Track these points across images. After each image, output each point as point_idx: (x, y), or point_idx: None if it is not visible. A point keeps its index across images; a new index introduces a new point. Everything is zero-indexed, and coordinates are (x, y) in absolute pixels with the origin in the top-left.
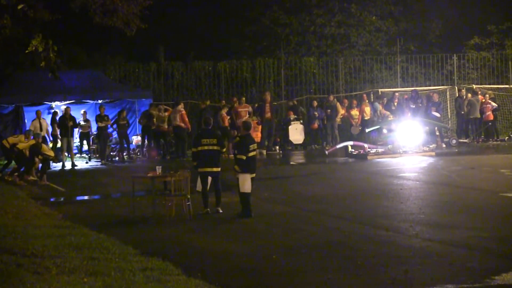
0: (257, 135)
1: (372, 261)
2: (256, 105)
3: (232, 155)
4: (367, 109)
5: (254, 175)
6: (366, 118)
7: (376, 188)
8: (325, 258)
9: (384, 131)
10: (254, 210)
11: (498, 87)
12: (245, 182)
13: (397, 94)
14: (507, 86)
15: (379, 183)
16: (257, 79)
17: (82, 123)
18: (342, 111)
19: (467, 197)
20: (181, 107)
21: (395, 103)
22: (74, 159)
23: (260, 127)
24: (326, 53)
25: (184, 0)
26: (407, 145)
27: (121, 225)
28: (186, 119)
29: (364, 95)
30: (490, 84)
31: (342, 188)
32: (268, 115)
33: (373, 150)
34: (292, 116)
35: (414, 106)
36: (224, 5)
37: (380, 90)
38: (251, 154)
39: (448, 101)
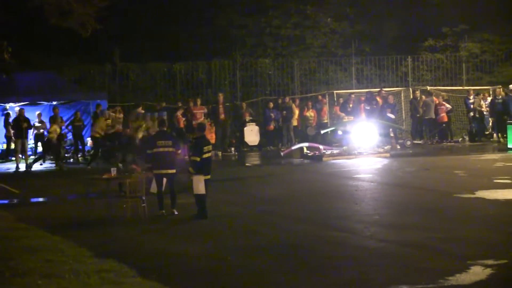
0: (211, 136)
1: (327, 262)
2: (210, 106)
3: (187, 157)
4: (325, 111)
5: (209, 176)
6: (325, 121)
7: (331, 189)
8: (281, 259)
9: (339, 132)
10: (210, 211)
11: (452, 89)
12: (199, 184)
13: (352, 96)
14: (461, 87)
15: (335, 185)
16: (212, 80)
17: (37, 124)
18: (297, 113)
19: (421, 198)
20: (140, 109)
21: (350, 105)
22: (29, 161)
23: (214, 128)
24: (281, 54)
25: (139, 2)
26: (362, 146)
27: (76, 227)
28: None
29: (320, 96)
30: (444, 86)
31: (298, 190)
32: (222, 116)
33: (328, 152)
34: (248, 118)
35: (369, 108)
36: (179, 6)
37: (335, 91)
38: (205, 155)
39: (403, 103)
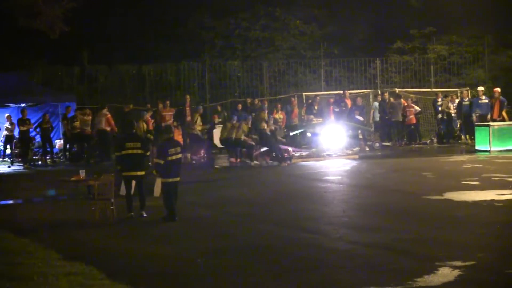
0: (179, 138)
1: (297, 263)
2: (177, 109)
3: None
4: (295, 113)
5: (178, 179)
6: (295, 123)
7: (300, 191)
8: (250, 261)
9: (308, 134)
10: (179, 213)
11: (420, 91)
12: (159, 187)
13: (318, 98)
14: (429, 89)
15: (304, 186)
16: (181, 82)
17: (7, 126)
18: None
19: (390, 200)
20: (106, 110)
21: (316, 107)
22: None
23: (181, 130)
24: (250, 56)
25: (108, 3)
26: (331, 148)
27: (45, 230)
28: (112, 122)
29: (292, 98)
30: (412, 88)
31: (267, 192)
32: (189, 118)
33: (298, 154)
34: (217, 120)
35: (338, 110)
36: (149, 8)
37: (304, 93)
38: (171, 158)
39: (371, 105)
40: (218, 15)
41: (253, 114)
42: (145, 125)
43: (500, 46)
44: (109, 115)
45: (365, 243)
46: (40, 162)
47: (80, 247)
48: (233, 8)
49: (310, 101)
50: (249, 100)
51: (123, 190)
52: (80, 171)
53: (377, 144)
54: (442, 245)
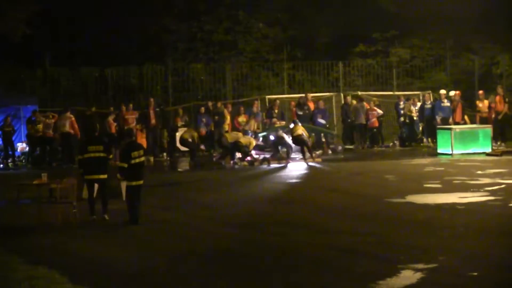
0: (143, 142)
1: (260, 266)
2: (141, 112)
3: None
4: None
5: (141, 182)
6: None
7: (263, 194)
8: (214, 264)
9: (271, 137)
10: (142, 217)
11: (382, 94)
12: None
13: (277, 101)
14: (391, 93)
15: (267, 189)
16: (144, 85)
17: None
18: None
19: (352, 203)
20: (69, 113)
21: (276, 110)
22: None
23: (145, 133)
24: (213, 59)
25: (70, 6)
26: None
27: (6, 234)
28: (76, 125)
29: (255, 102)
30: (375, 91)
31: (231, 195)
32: (153, 121)
33: (261, 157)
34: (180, 123)
35: (301, 113)
36: (111, 11)
37: (267, 96)
38: (134, 161)
39: (334, 108)
40: (181, 18)
41: (216, 117)
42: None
43: (461, 50)
44: (73, 118)
45: (328, 245)
46: (1, 165)
47: (42, 251)
48: (196, 11)
49: (270, 104)
50: (210, 103)
51: (85, 194)
52: (42, 174)
53: (340, 147)
54: (404, 247)
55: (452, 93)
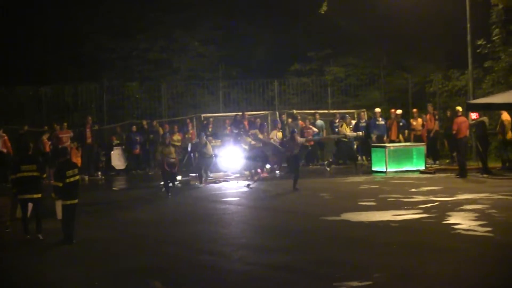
0: (77, 160)
1: (195, 285)
2: (77, 130)
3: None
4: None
5: (76, 201)
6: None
7: (199, 213)
8: (149, 283)
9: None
10: (77, 236)
11: (318, 112)
12: (59, 209)
13: (211, 119)
14: (326, 111)
15: (202, 208)
16: (79, 104)
17: None
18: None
19: (288, 221)
20: (2, 132)
21: (210, 129)
22: None
23: (80, 152)
24: (149, 78)
25: (5, 22)
26: (229, 169)
27: None
28: (9, 144)
29: (188, 120)
30: (310, 109)
31: (165, 213)
32: (89, 140)
33: (196, 175)
34: (115, 142)
35: (236, 131)
36: (47, 29)
37: (202, 115)
38: (69, 180)
39: (270, 126)
40: (117, 36)
41: (151, 136)
42: None
43: (395, 68)
44: (5, 137)
45: (263, 264)
46: None
47: None
48: (132, 29)
49: (205, 122)
50: (145, 122)
51: (19, 213)
52: None
53: (275, 165)
54: (339, 265)
55: (399, 111)
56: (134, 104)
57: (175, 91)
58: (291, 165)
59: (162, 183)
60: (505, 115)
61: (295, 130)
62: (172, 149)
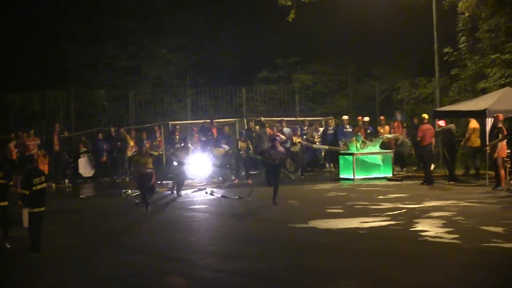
0: (45, 168)
1: None
2: (45, 138)
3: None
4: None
5: (43, 208)
6: (161, 151)
7: (167, 220)
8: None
9: (174, 163)
10: (45, 244)
11: (286, 120)
12: (26, 217)
13: (177, 127)
14: (294, 118)
15: (170, 216)
16: (46, 111)
17: None
18: (132, 144)
19: (256, 228)
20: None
21: (177, 136)
22: None
23: (47, 160)
24: (116, 85)
25: None
26: (197, 177)
27: None
28: None
29: (156, 128)
30: (278, 117)
31: (134, 221)
32: (57, 147)
33: (164, 183)
34: (82, 149)
35: (204, 139)
36: (13, 35)
37: (170, 122)
38: (36, 187)
39: (238, 133)
40: (85, 43)
41: (119, 143)
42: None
43: (363, 76)
44: None
45: (231, 271)
46: None
47: None
48: (99, 36)
49: (171, 130)
50: (112, 129)
51: None
52: None
53: (243, 173)
54: (307, 272)
55: (366, 118)
56: (102, 111)
57: (142, 98)
58: (272, 175)
59: (134, 194)
60: (473, 123)
61: (277, 138)
62: (149, 159)
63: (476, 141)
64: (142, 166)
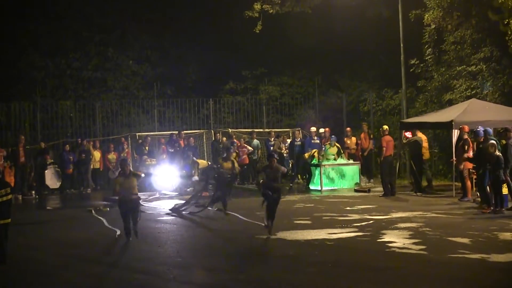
0: (11, 180)
1: None
2: (10, 149)
3: None
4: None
5: (8, 220)
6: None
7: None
8: None
9: (142, 175)
10: (9, 256)
11: (253, 131)
12: None
13: (148, 138)
14: (261, 130)
15: (138, 227)
16: (12, 123)
17: None
18: (98, 155)
19: (223, 240)
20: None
21: (146, 148)
22: None
23: (13, 171)
24: (83, 96)
25: None
26: (164, 188)
27: None
28: None
29: (123, 139)
30: (245, 128)
31: (100, 233)
32: (22, 159)
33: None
34: (49, 160)
35: (172, 150)
36: None
37: (137, 134)
38: (1, 199)
39: (205, 145)
40: (49, 54)
41: (83, 155)
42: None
43: (330, 87)
44: None
45: (198, 283)
46: None
47: None
48: (65, 47)
49: (140, 141)
50: (79, 141)
51: None
52: None
53: (210, 185)
54: (274, 284)
55: (322, 130)
56: (68, 123)
57: (109, 109)
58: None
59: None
60: (420, 135)
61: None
62: (135, 182)
63: (426, 153)
64: (127, 191)
